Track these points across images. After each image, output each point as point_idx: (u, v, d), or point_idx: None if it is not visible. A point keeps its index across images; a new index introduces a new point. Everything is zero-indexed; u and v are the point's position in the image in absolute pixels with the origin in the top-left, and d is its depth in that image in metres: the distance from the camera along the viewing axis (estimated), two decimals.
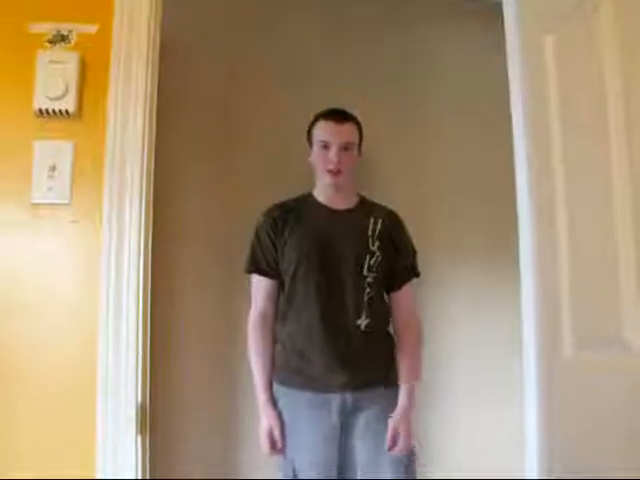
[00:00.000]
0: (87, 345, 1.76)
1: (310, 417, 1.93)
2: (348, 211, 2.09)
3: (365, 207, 2.12)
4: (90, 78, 1.84)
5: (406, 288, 2.09)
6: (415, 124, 2.83)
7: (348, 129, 2.05)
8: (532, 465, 1.57)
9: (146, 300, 1.83)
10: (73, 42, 1.84)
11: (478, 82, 2.81)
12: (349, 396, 1.92)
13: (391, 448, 1.91)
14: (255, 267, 2.07)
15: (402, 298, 2.09)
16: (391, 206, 2.16)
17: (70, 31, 1.84)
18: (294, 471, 1.92)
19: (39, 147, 1.80)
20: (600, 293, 1.39)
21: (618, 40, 1.32)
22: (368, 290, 1.97)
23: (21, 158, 1.79)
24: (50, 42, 1.83)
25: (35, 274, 1.78)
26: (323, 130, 2.06)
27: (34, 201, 1.79)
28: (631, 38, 1.30)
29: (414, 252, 2.12)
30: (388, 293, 2.09)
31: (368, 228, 2.04)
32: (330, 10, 2.84)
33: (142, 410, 1.79)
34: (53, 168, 1.79)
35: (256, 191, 2.56)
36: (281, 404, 1.97)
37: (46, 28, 1.83)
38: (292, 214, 2.07)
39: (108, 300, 1.78)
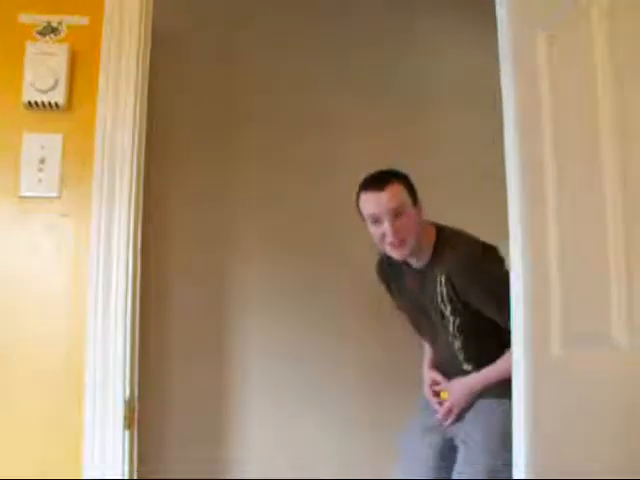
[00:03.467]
0: (75, 340, 1.75)
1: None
2: (424, 270, 2.02)
3: (436, 259, 1.98)
4: (80, 71, 1.82)
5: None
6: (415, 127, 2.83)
7: (392, 193, 1.90)
8: (520, 462, 1.58)
9: (135, 295, 1.82)
10: (63, 34, 1.82)
11: (477, 82, 2.82)
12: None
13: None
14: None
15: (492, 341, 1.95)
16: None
17: (60, 23, 1.82)
18: None
19: (28, 140, 1.78)
20: (589, 291, 1.39)
21: (610, 41, 1.32)
22: (462, 350, 2.02)
23: (10, 151, 1.77)
24: (40, 34, 1.81)
25: (24, 268, 1.76)
26: (367, 204, 1.93)
27: (23, 194, 1.77)
28: (622, 39, 1.30)
29: (497, 300, 1.78)
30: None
31: (437, 294, 1.95)
32: (330, 11, 2.84)
33: (130, 405, 1.78)
34: (42, 161, 1.78)
35: (252, 187, 2.56)
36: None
37: (36, 19, 1.81)
38: (389, 270, 2.16)
39: (97, 295, 1.77)
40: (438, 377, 2.12)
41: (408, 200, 1.94)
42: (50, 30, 1.81)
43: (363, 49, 2.85)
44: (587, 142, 1.39)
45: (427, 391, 2.15)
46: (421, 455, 2.06)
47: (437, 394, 2.14)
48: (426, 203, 2.03)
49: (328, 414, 2.62)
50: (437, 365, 2.17)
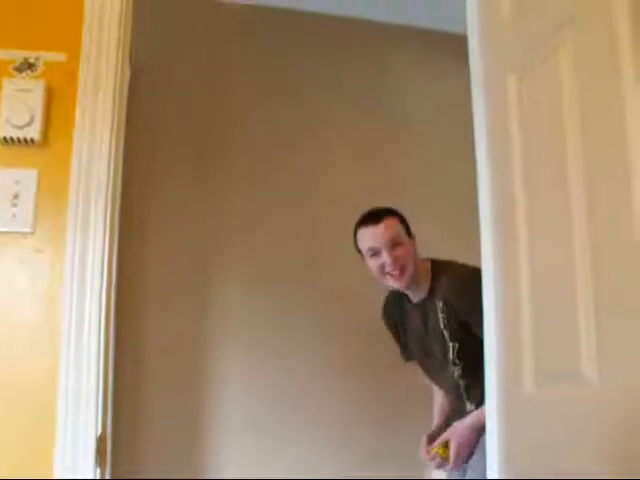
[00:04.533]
0: (48, 377, 1.73)
1: None
2: (424, 302, 2.07)
3: (434, 289, 2.04)
4: (57, 106, 1.83)
5: None
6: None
7: (388, 225, 2.00)
8: None
9: (108, 331, 1.81)
10: (40, 70, 1.83)
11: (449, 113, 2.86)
12: None
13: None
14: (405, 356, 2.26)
15: None
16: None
17: (37, 59, 1.83)
18: None
19: (2, 175, 1.78)
20: (560, 329, 1.39)
21: (576, 82, 1.35)
22: (464, 382, 2.02)
23: None
24: (17, 70, 1.82)
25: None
26: (365, 238, 2.02)
27: None
28: (588, 81, 1.32)
29: None
30: None
31: (439, 321, 2.00)
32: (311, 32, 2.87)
33: (102, 441, 1.76)
34: (16, 196, 1.78)
35: (234, 212, 2.56)
36: None
37: (13, 55, 1.82)
38: (394, 309, 2.19)
39: (70, 328, 1.75)
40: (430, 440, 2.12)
41: (403, 232, 2.02)
42: (27, 66, 1.82)
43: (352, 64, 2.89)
44: (556, 179, 1.40)
45: (422, 452, 2.12)
46: None
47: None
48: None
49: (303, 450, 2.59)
50: (447, 411, 2.19)
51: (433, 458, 2.04)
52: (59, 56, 1.84)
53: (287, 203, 2.78)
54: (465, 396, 2.05)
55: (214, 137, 2.78)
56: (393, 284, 2.02)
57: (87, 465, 1.72)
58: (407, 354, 2.24)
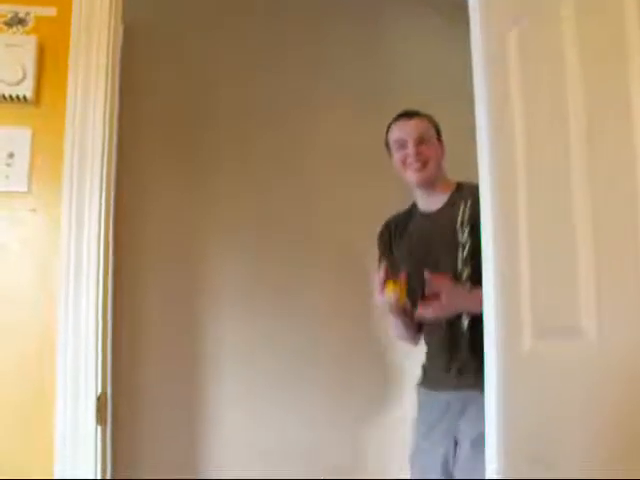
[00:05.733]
0: (45, 337, 1.73)
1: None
2: (441, 210, 2.07)
3: (457, 195, 2.06)
4: (49, 63, 1.79)
5: None
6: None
7: (419, 122, 2.05)
8: (491, 457, 1.59)
9: (106, 290, 1.80)
10: (31, 25, 1.79)
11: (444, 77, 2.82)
12: (453, 396, 1.98)
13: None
14: None
15: None
16: None
17: (28, 14, 1.79)
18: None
19: None
20: (559, 283, 1.39)
21: (578, 39, 1.33)
22: (469, 285, 1.95)
23: None
24: (7, 25, 1.78)
25: None
26: (396, 130, 2.07)
27: None
28: (588, 38, 1.31)
29: None
30: None
31: (457, 219, 1.99)
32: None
33: (102, 401, 1.76)
34: (11, 155, 1.75)
35: (225, 174, 2.54)
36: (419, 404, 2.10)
37: (2, 10, 1.78)
38: (399, 228, 2.13)
39: (67, 291, 1.75)
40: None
41: (433, 133, 2.08)
42: (17, 21, 1.78)
43: (335, 37, 2.84)
44: (556, 131, 1.39)
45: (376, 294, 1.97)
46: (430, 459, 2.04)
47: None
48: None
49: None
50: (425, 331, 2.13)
51: (390, 299, 1.93)
52: (49, 10, 1.80)
53: (280, 170, 2.76)
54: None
55: (203, 97, 2.75)
56: (411, 177, 2.03)
57: (88, 424, 1.73)
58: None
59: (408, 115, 2.08)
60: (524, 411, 1.51)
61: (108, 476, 1.79)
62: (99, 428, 1.74)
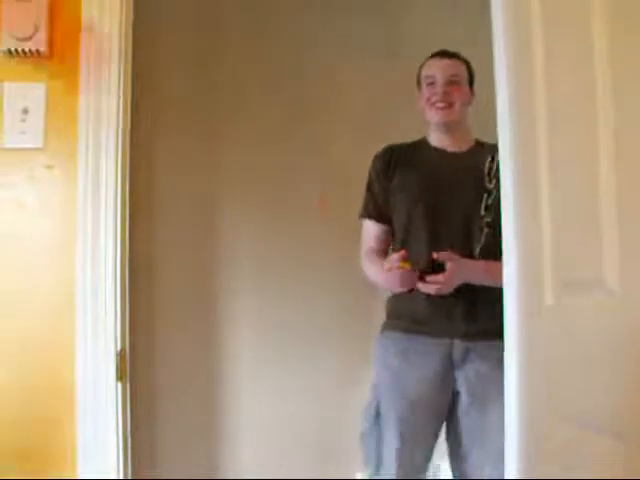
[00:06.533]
0: (64, 293, 1.74)
1: (416, 363, 1.91)
2: (464, 154, 2.02)
3: (482, 148, 2.03)
4: (61, 16, 1.76)
5: None
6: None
7: (454, 63, 2.01)
8: (512, 417, 1.57)
9: (124, 245, 1.80)
10: None
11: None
12: (460, 344, 1.88)
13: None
14: (365, 213, 2.08)
15: None
16: None
17: None
18: (377, 409, 1.92)
19: (9, 89, 1.74)
20: (581, 236, 1.36)
21: None
22: (486, 231, 1.90)
23: None
24: None
25: (9, 222, 1.74)
26: (428, 66, 2.04)
27: (6, 145, 1.73)
28: None
29: None
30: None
31: (485, 166, 1.95)
32: None
33: (122, 357, 1.78)
34: (25, 111, 1.73)
35: (239, 141, 2.52)
36: (383, 349, 1.98)
37: None
38: (403, 156, 2.04)
39: (85, 247, 1.75)
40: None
41: (466, 77, 2.03)
42: None
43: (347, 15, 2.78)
44: (580, 80, 1.34)
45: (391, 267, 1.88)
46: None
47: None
48: None
49: None
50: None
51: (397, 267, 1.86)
52: None
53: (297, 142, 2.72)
54: (477, 251, 1.93)
55: (215, 62, 2.71)
56: (434, 116, 1.99)
57: (108, 380, 1.74)
58: (375, 210, 2.07)
59: (443, 54, 2.03)
60: (546, 368, 1.49)
61: (128, 430, 1.81)
62: (119, 384, 1.76)
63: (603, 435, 1.23)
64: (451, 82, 1.98)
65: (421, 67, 2.07)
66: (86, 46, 1.76)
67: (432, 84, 1.99)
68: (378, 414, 1.93)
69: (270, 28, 2.71)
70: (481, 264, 1.91)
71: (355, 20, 2.73)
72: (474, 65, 2.04)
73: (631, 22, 1.18)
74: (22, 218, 1.75)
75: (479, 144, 2.05)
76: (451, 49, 2.05)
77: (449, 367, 1.90)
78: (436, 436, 1.96)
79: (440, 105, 1.96)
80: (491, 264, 1.83)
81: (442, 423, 1.96)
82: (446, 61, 2.01)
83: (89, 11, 1.76)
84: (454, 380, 1.91)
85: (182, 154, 2.63)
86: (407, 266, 1.87)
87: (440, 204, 1.94)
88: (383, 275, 1.95)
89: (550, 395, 1.46)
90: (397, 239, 2.02)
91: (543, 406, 1.49)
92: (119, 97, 1.77)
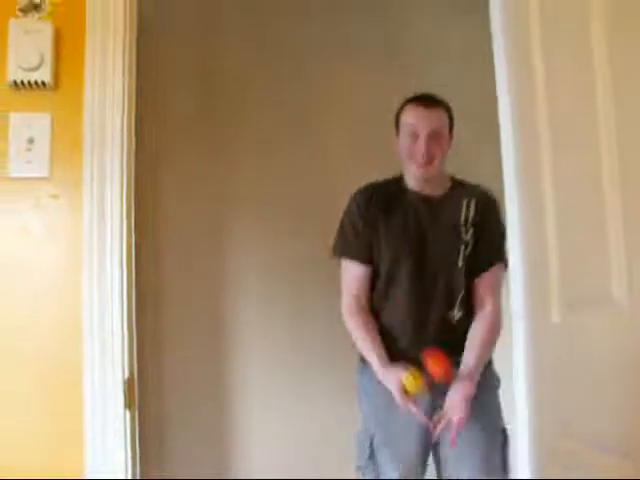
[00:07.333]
0: (71, 321, 1.73)
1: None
2: (441, 199, 2.00)
3: (457, 190, 2.01)
4: (66, 48, 1.78)
5: (486, 275, 1.93)
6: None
7: (438, 115, 1.96)
8: (523, 433, 1.57)
9: (131, 271, 1.81)
10: (46, 11, 1.78)
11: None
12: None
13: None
14: (347, 251, 2.02)
15: (481, 283, 1.94)
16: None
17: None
18: (371, 445, 1.89)
19: (15, 119, 1.75)
20: (588, 253, 1.37)
21: None
22: (464, 281, 1.92)
23: None
24: (22, 11, 1.77)
25: (15, 251, 1.74)
26: (411, 114, 1.96)
27: (12, 174, 1.74)
28: None
29: (502, 237, 1.92)
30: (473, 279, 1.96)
31: (461, 216, 1.96)
32: None
33: (130, 384, 1.77)
34: (31, 141, 1.75)
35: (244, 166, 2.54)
36: (366, 377, 1.95)
37: None
38: (384, 199, 2.00)
39: (92, 274, 1.75)
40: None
41: (447, 126, 2.00)
42: (32, 7, 1.77)
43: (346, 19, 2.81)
44: (581, 81, 1.35)
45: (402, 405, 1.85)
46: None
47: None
48: None
49: None
50: (408, 311, 1.94)
51: (414, 401, 1.83)
52: None
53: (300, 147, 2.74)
54: (458, 302, 1.93)
55: (219, 89, 2.74)
56: (415, 171, 1.96)
57: (117, 408, 1.74)
58: (361, 250, 2.02)
59: (426, 102, 1.97)
60: (554, 386, 1.48)
61: (137, 459, 1.80)
62: (127, 412, 1.75)
63: (611, 454, 1.22)
64: (433, 136, 1.93)
65: (401, 110, 2.01)
66: (90, 77, 1.78)
67: (414, 136, 1.94)
68: (373, 451, 1.91)
69: (270, 33, 2.73)
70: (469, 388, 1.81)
71: (356, 25, 2.76)
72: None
73: (630, 26, 1.20)
74: (28, 245, 1.75)
75: (455, 184, 2.04)
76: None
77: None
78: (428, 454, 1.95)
79: (421, 161, 1.93)
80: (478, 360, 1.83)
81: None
82: (429, 113, 1.94)
83: (93, 42, 1.78)
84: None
85: (186, 176, 2.64)
86: (413, 390, 1.80)
87: (422, 258, 1.95)
88: (382, 370, 1.89)
89: (558, 413, 1.46)
90: (377, 288, 2.00)
91: (551, 423, 1.48)
92: (122, 127, 1.79)
